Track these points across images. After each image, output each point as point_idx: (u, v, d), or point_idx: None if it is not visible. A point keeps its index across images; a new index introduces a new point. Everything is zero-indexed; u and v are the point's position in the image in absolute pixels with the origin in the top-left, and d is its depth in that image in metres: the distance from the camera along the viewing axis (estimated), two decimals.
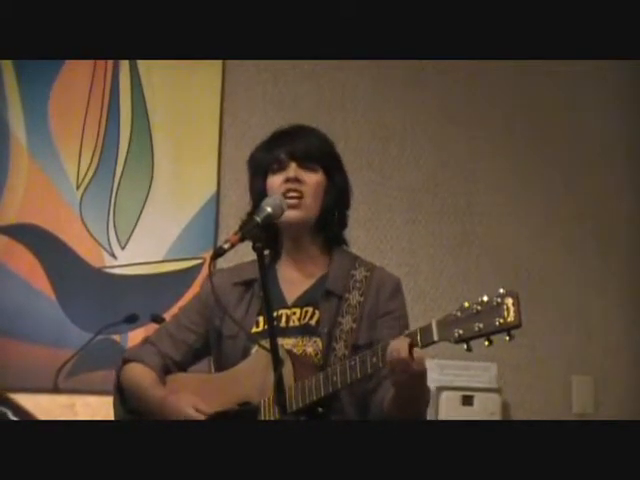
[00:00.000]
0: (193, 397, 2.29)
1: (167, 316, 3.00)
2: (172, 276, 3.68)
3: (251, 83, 3.86)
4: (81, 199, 3.67)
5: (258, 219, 2.16)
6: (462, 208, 3.98)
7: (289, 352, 2.25)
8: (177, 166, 3.76)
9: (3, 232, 3.60)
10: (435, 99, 4.00)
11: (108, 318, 3.51)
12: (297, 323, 2.34)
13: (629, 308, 4.04)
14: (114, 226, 3.69)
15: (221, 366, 2.39)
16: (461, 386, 3.62)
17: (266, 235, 2.23)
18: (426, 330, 2.04)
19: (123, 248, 3.68)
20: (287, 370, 2.17)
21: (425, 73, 3.97)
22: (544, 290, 3.95)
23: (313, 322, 2.33)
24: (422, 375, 2.09)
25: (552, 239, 4.03)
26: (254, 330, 2.34)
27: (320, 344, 2.30)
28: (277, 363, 2.09)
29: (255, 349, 2.29)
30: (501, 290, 1.97)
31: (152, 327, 2.98)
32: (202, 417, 2.24)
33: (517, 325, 1.94)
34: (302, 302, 2.37)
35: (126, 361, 2.45)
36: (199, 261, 3.69)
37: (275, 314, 2.30)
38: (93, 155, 3.70)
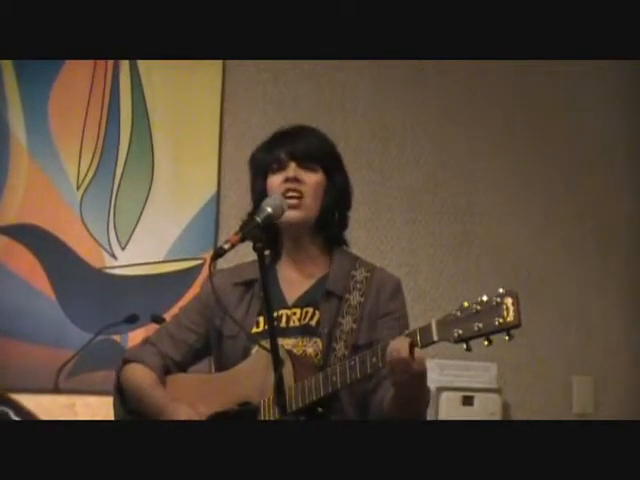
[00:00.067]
0: (189, 409, 2.28)
1: (167, 316, 3.00)
2: (172, 276, 3.68)
3: (251, 83, 3.86)
4: (81, 199, 3.67)
5: (258, 219, 2.16)
6: (462, 208, 3.98)
7: (289, 352, 2.25)
8: (177, 166, 3.76)
9: (3, 232, 3.59)
10: (435, 99, 4.00)
11: (108, 318, 3.51)
12: (297, 323, 2.34)
13: (629, 308, 4.04)
14: (114, 226, 3.69)
15: (221, 366, 2.39)
16: (461, 386, 3.62)
17: (266, 235, 2.23)
18: (426, 330, 2.04)
19: (123, 248, 3.68)
20: (287, 370, 2.17)
21: (425, 73, 3.97)
22: (544, 290, 3.95)
23: (313, 322, 2.33)
24: (422, 375, 2.09)
25: (552, 239, 4.03)
26: (254, 330, 2.34)
27: (320, 344, 2.30)
28: (277, 363, 2.09)
29: (255, 349, 2.29)
30: (500, 290, 1.97)
31: (152, 327, 2.98)
32: None
33: (517, 325, 1.94)
34: (302, 302, 2.37)
35: (126, 361, 2.44)
36: (199, 261, 3.69)
37: (275, 314, 2.30)
38: (93, 155, 3.70)
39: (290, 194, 2.33)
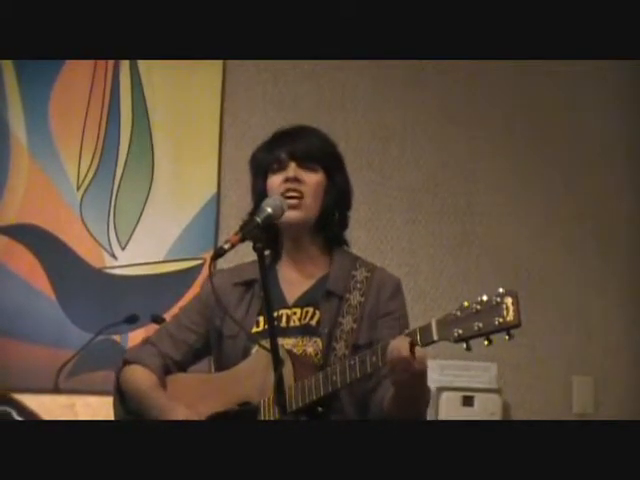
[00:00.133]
0: (188, 411, 2.28)
1: (167, 316, 3.00)
2: (172, 276, 3.68)
3: (251, 83, 3.86)
4: (81, 199, 3.67)
5: (258, 220, 2.16)
6: (462, 208, 3.98)
7: (289, 352, 2.25)
8: (177, 166, 3.76)
9: (3, 232, 3.60)
10: (435, 99, 4.00)
11: (108, 318, 3.51)
12: (297, 323, 2.34)
13: (629, 308, 4.03)
14: (114, 226, 3.69)
15: (221, 366, 2.39)
16: (461, 386, 3.62)
17: (266, 235, 2.23)
18: (426, 329, 2.04)
19: (123, 248, 3.68)
20: (287, 370, 2.17)
21: (425, 73, 3.97)
22: (544, 290, 3.95)
23: (313, 322, 2.33)
24: (422, 374, 2.09)
25: (552, 239, 4.03)
26: (254, 330, 2.34)
27: (320, 344, 2.30)
28: (277, 363, 2.09)
29: (255, 349, 2.29)
30: (500, 289, 1.97)
31: (152, 327, 2.99)
32: None
33: (516, 324, 1.94)
34: (302, 302, 2.37)
35: (126, 362, 2.44)
36: (199, 261, 3.69)
37: (275, 314, 2.30)
38: (93, 155, 3.70)
39: (290, 194, 2.33)
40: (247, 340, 2.31)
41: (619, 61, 3.78)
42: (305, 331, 2.32)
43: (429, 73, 3.97)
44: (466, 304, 2.00)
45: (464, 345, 2.00)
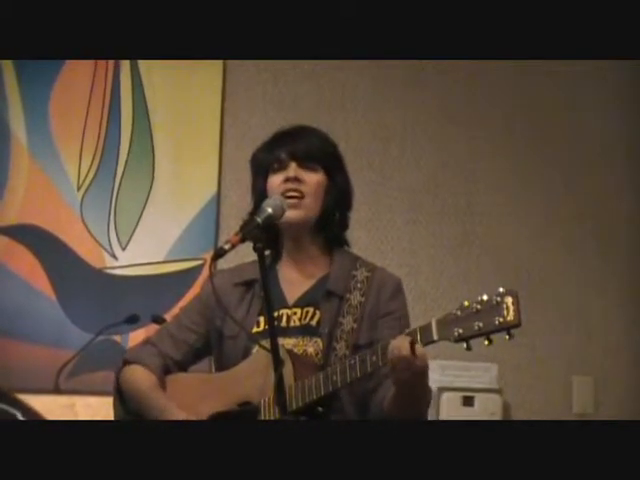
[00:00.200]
0: (187, 413, 2.28)
1: (168, 317, 3.00)
2: (173, 277, 3.69)
3: (251, 83, 3.86)
4: (82, 200, 3.67)
5: (259, 220, 2.16)
6: (462, 208, 3.98)
7: (290, 352, 2.25)
8: (178, 166, 3.76)
9: (3, 232, 3.60)
10: (435, 99, 4.00)
11: (109, 319, 3.51)
12: (298, 323, 2.34)
13: (629, 308, 4.04)
14: (115, 227, 3.69)
15: (222, 366, 2.39)
16: (462, 387, 3.62)
17: (267, 236, 2.23)
18: (426, 329, 2.05)
19: (124, 249, 3.68)
20: (287, 370, 2.17)
21: (425, 73, 3.98)
22: (544, 290, 3.95)
23: (314, 322, 2.33)
24: (424, 373, 2.09)
25: (552, 239, 4.03)
26: (255, 330, 2.34)
27: (321, 344, 2.30)
28: (277, 363, 2.09)
29: (256, 349, 2.29)
30: (501, 289, 1.97)
31: (153, 328, 2.99)
32: None
33: (517, 324, 1.95)
34: (303, 302, 2.37)
35: (126, 362, 2.44)
36: (200, 262, 3.69)
37: (276, 314, 2.30)
38: (94, 156, 3.70)
39: (290, 194, 2.33)
40: (247, 340, 2.31)
41: (619, 61, 3.78)
42: (305, 331, 2.32)
43: (429, 73, 3.98)
44: (466, 304, 2.00)
45: (464, 345, 2.00)
